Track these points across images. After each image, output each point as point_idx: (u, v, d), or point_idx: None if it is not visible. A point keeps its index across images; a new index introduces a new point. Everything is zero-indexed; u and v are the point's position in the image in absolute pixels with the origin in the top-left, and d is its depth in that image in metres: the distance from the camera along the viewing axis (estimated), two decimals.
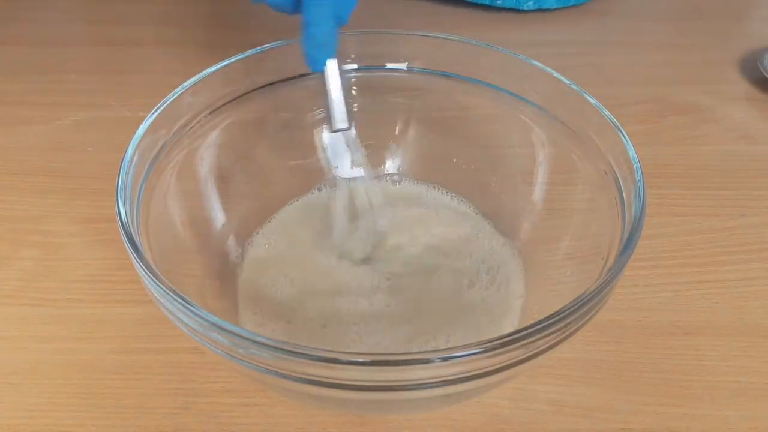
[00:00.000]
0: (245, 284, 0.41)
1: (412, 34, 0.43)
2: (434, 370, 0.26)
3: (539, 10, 0.70)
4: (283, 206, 0.45)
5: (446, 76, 0.44)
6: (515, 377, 0.33)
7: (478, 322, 0.39)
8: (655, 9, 0.73)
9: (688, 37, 0.68)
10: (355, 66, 0.44)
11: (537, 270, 0.41)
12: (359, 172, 0.44)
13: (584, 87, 0.38)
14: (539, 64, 0.40)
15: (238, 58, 0.40)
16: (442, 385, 0.26)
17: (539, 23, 0.69)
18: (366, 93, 0.46)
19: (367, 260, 0.42)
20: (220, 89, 0.40)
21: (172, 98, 0.37)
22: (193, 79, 0.39)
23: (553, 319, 0.27)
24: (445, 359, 0.25)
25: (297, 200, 0.46)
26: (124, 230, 0.30)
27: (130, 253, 0.29)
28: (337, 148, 0.45)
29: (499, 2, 0.69)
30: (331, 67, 0.37)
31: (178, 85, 0.38)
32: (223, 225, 0.42)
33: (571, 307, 0.27)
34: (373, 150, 0.47)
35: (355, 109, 0.46)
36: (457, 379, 0.26)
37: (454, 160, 0.46)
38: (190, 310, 0.27)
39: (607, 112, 0.36)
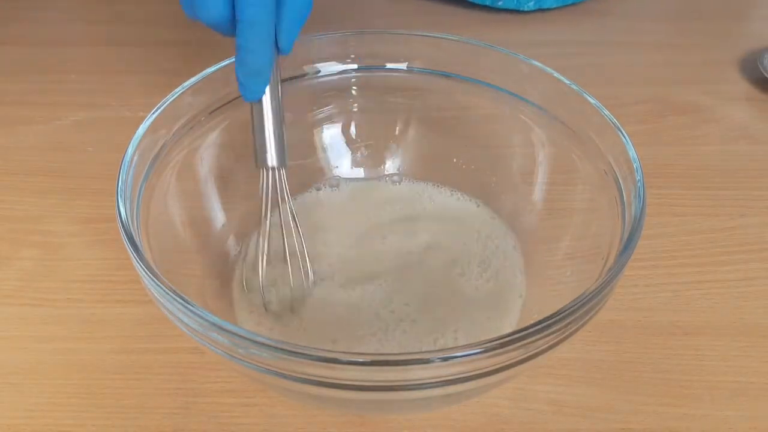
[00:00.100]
0: (240, 283, 0.41)
1: (412, 34, 0.43)
2: (434, 370, 0.26)
3: (539, 10, 0.70)
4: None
5: (446, 76, 0.44)
6: (515, 377, 0.33)
7: (479, 320, 0.38)
8: (655, 9, 0.73)
9: (688, 37, 0.68)
10: (355, 66, 0.44)
11: (537, 270, 0.41)
12: (359, 172, 0.44)
13: (584, 87, 0.38)
14: (539, 64, 0.40)
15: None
16: (442, 385, 0.26)
17: (539, 23, 0.69)
18: (366, 93, 0.46)
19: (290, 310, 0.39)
20: (220, 89, 0.40)
21: (172, 98, 0.37)
22: (193, 79, 0.39)
23: (553, 319, 0.27)
24: (445, 359, 0.25)
25: (295, 199, 0.46)
26: (124, 230, 0.30)
27: (130, 253, 0.29)
28: (337, 148, 0.45)
29: (500, 3, 0.69)
30: (266, 98, 0.34)
31: (178, 85, 0.38)
32: (223, 225, 0.42)
33: (571, 307, 0.27)
34: (373, 150, 0.47)
35: (355, 110, 0.47)
36: (457, 379, 0.26)
37: (454, 160, 0.46)
38: (190, 310, 0.27)
39: (607, 112, 0.36)
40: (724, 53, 0.65)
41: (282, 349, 0.25)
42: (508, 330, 0.37)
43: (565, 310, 0.27)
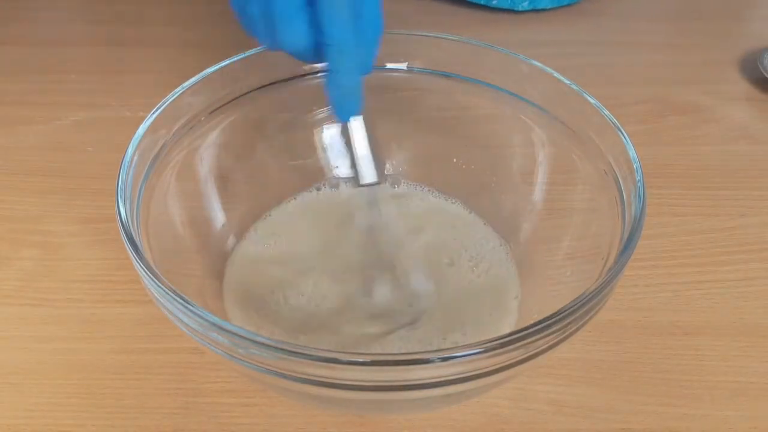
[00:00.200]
0: (232, 282, 0.41)
1: (412, 34, 0.43)
2: (434, 370, 0.26)
3: (534, 10, 0.70)
4: (280, 204, 0.45)
5: (446, 76, 0.44)
6: (515, 377, 0.33)
7: (477, 320, 0.39)
8: (654, 9, 0.73)
9: (688, 37, 0.68)
10: None
11: (536, 270, 0.41)
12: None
13: (584, 87, 0.38)
14: (539, 64, 0.40)
15: (238, 58, 0.40)
16: (442, 385, 0.26)
17: (539, 23, 0.69)
18: (366, 93, 0.46)
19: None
20: (220, 89, 0.40)
21: (172, 98, 0.37)
22: (193, 79, 0.39)
23: (553, 320, 0.27)
24: (445, 359, 0.25)
25: (294, 198, 0.46)
26: (124, 230, 0.30)
27: (130, 253, 0.29)
28: (337, 148, 0.45)
29: (494, 2, 0.69)
30: (358, 119, 0.35)
31: (178, 85, 0.38)
32: (223, 225, 0.42)
33: (571, 307, 0.27)
34: (372, 150, 0.47)
35: None
36: (457, 379, 0.26)
37: (454, 160, 0.46)
38: (190, 310, 0.27)
39: (607, 112, 0.36)
40: (724, 53, 0.65)
41: (282, 349, 0.25)
42: (507, 329, 0.38)
43: (565, 310, 0.27)
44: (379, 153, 0.36)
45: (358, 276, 0.41)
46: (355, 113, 0.35)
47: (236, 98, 0.41)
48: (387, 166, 0.48)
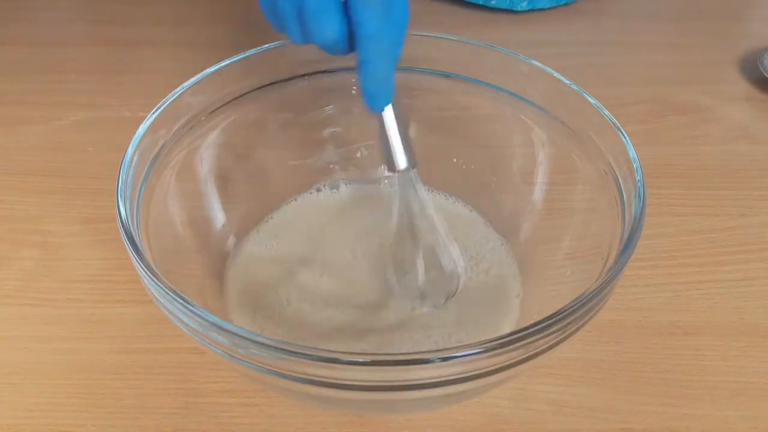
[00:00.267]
0: (236, 282, 0.41)
1: (412, 34, 0.43)
2: (434, 370, 0.26)
3: (533, 10, 0.70)
4: (281, 206, 0.45)
5: (446, 76, 0.44)
6: (515, 377, 0.33)
7: (478, 320, 0.39)
8: (655, 9, 0.73)
9: (688, 37, 0.68)
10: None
11: (537, 270, 0.41)
12: (359, 173, 0.44)
13: (584, 87, 0.38)
14: (539, 64, 0.40)
15: (238, 58, 0.40)
16: (442, 385, 0.26)
17: (539, 23, 0.69)
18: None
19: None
20: (220, 89, 0.40)
21: (172, 98, 0.37)
22: (193, 79, 0.39)
23: (553, 319, 0.27)
24: (445, 359, 0.25)
25: (294, 200, 0.46)
26: (124, 230, 0.30)
27: (130, 253, 0.29)
28: (337, 148, 0.45)
29: (493, 2, 0.69)
30: (389, 108, 0.35)
31: (178, 85, 0.38)
32: (223, 225, 0.42)
33: (571, 307, 0.27)
34: (372, 150, 0.47)
35: (355, 110, 0.46)
36: (457, 379, 0.26)
37: (454, 160, 0.46)
38: (190, 310, 0.27)
39: (607, 112, 0.36)
40: (724, 53, 0.65)
41: (282, 349, 0.25)
42: (507, 329, 0.38)
43: (565, 310, 0.27)
44: (409, 137, 0.37)
45: (362, 273, 0.41)
46: (387, 102, 0.35)
47: (236, 98, 0.41)
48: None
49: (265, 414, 0.36)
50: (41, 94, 0.59)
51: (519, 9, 0.69)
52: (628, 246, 0.30)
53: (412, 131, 0.47)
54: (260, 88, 0.42)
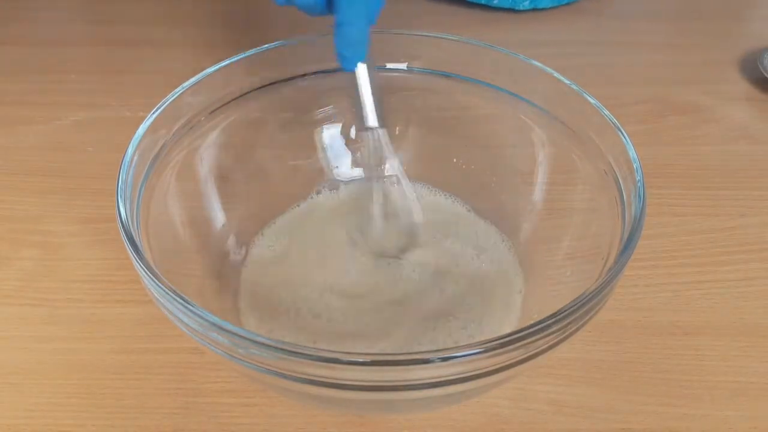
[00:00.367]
0: (247, 284, 0.41)
1: (412, 34, 0.43)
2: (434, 370, 0.26)
3: (535, 9, 0.70)
4: (283, 208, 0.45)
5: (446, 76, 0.44)
6: (515, 377, 0.33)
7: (480, 318, 0.39)
8: (655, 9, 0.73)
9: (688, 37, 0.68)
10: None
11: (537, 270, 0.41)
12: (361, 172, 0.44)
13: (584, 87, 0.38)
14: (539, 64, 0.40)
15: (238, 58, 0.40)
16: (442, 385, 0.26)
17: (539, 23, 0.69)
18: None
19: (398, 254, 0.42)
20: (220, 89, 0.40)
21: (172, 98, 0.37)
22: (193, 79, 0.39)
23: (553, 319, 0.27)
24: (445, 359, 0.25)
25: (297, 206, 0.46)
26: (124, 230, 0.30)
27: (130, 253, 0.29)
28: (337, 148, 0.45)
29: (495, 2, 0.69)
30: (362, 66, 0.38)
31: (178, 85, 0.38)
32: (223, 225, 0.42)
33: (571, 307, 0.27)
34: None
35: (356, 109, 0.46)
36: (457, 379, 0.26)
37: (454, 160, 0.46)
38: (190, 310, 0.27)
39: (607, 112, 0.36)
40: (724, 53, 0.65)
41: (282, 349, 0.25)
42: (509, 328, 0.38)
43: (565, 310, 0.27)
44: (382, 99, 0.39)
45: (360, 276, 0.41)
46: (361, 59, 0.37)
47: (236, 98, 0.41)
48: (387, 165, 0.47)
49: (265, 414, 0.36)
50: (41, 94, 0.59)
51: (521, 8, 0.69)
52: (628, 246, 0.30)
53: (413, 131, 0.47)
54: (260, 88, 0.42)
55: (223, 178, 0.42)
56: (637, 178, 0.33)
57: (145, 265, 0.29)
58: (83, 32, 0.69)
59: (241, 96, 0.41)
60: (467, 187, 0.46)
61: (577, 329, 0.28)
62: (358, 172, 0.47)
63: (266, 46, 0.41)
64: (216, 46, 0.63)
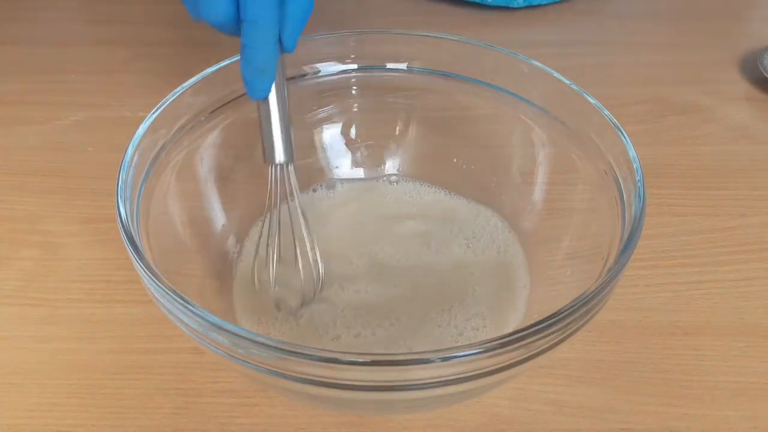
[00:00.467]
0: (242, 284, 0.41)
1: (412, 34, 0.43)
2: (434, 370, 0.26)
3: (530, 7, 0.70)
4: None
5: (446, 76, 0.44)
6: (515, 377, 0.33)
7: (482, 311, 0.39)
8: (655, 9, 0.73)
9: (688, 37, 0.68)
10: (355, 66, 0.44)
11: (537, 270, 0.41)
12: (359, 173, 0.43)
13: (584, 87, 0.38)
14: (539, 64, 0.40)
15: (237, 58, 0.40)
16: (442, 385, 0.26)
17: (539, 23, 0.69)
18: (366, 93, 0.46)
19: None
20: (220, 89, 0.40)
21: (172, 98, 0.37)
22: (193, 79, 0.39)
23: (553, 319, 0.27)
24: (445, 359, 0.25)
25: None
26: (124, 230, 0.30)
27: (130, 253, 0.29)
28: (337, 148, 0.45)
29: (489, 0, 0.69)
30: (272, 95, 0.35)
31: (178, 85, 0.38)
32: (223, 225, 0.42)
33: (571, 307, 0.27)
34: (372, 150, 0.47)
35: (355, 110, 0.47)
36: (457, 379, 0.26)
37: (454, 160, 0.46)
38: (190, 310, 0.27)
39: (607, 112, 0.36)
40: (724, 53, 0.65)
41: (282, 349, 0.25)
42: (514, 324, 0.37)
43: (565, 310, 0.27)
44: (292, 132, 0.37)
45: (360, 277, 0.41)
46: (266, 91, 0.35)
47: (236, 98, 0.41)
48: (388, 164, 0.48)
49: (265, 414, 0.36)
50: (41, 94, 0.59)
51: (515, 6, 0.69)
52: (628, 246, 0.30)
53: (413, 131, 0.47)
54: None
55: (223, 178, 0.42)
56: (637, 178, 0.33)
57: (145, 265, 0.29)
58: (83, 32, 0.69)
59: (241, 96, 0.41)
60: (467, 187, 0.46)
61: (577, 329, 0.28)
62: (358, 171, 0.47)
63: None
64: (216, 46, 0.63)
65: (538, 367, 0.38)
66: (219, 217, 0.42)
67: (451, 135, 0.46)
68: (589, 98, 0.37)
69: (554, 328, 0.27)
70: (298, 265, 0.38)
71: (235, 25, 0.32)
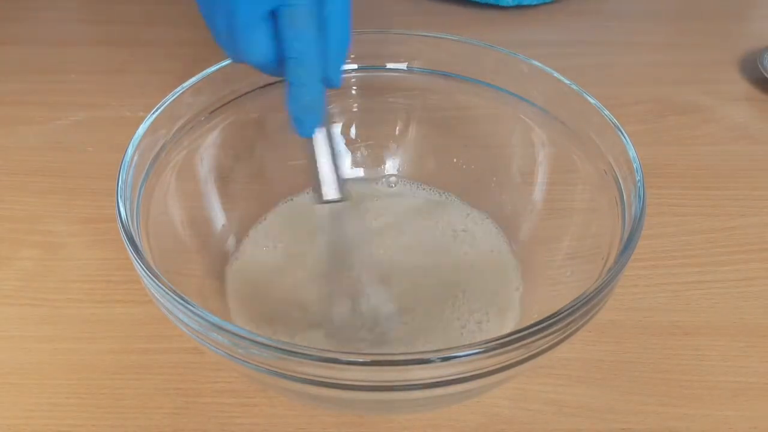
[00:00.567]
0: (235, 282, 0.41)
1: (412, 34, 0.43)
2: (434, 370, 0.26)
3: (520, 6, 0.70)
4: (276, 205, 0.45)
5: (446, 76, 0.44)
6: (515, 377, 0.33)
7: (477, 311, 0.39)
8: (655, 9, 0.73)
9: (688, 37, 0.68)
10: (355, 66, 0.44)
11: (537, 270, 0.41)
12: (359, 172, 0.43)
13: (584, 87, 0.38)
14: (539, 64, 0.40)
15: None
16: (442, 385, 0.26)
17: (540, 23, 0.69)
18: (366, 93, 0.46)
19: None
20: (220, 89, 0.40)
21: (172, 98, 0.37)
22: (193, 79, 0.39)
23: (553, 319, 0.27)
24: (445, 359, 0.25)
25: (292, 199, 0.46)
26: (124, 230, 0.30)
27: (130, 253, 0.29)
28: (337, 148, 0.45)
29: None
30: (320, 133, 0.34)
31: (178, 85, 0.38)
32: (223, 225, 0.42)
33: (571, 307, 0.27)
34: (372, 150, 0.47)
35: (355, 110, 0.47)
36: (457, 379, 0.26)
37: (454, 160, 0.46)
38: (190, 310, 0.27)
39: (607, 112, 0.36)
40: (724, 53, 0.65)
41: (282, 349, 0.25)
42: (509, 327, 0.38)
43: (565, 310, 0.27)
44: (344, 167, 0.36)
45: (359, 276, 0.41)
46: (316, 128, 0.34)
47: (236, 98, 0.41)
48: (388, 164, 0.48)
49: (265, 414, 0.36)
50: (41, 94, 0.59)
51: (503, 5, 0.69)
52: (628, 246, 0.30)
53: (412, 131, 0.47)
54: (260, 88, 0.42)
55: (223, 178, 0.42)
56: (637, 178, 0.33)
57: (145, 265, 0.29)
58: (83, 32, 0.69)
59: (241, 96, 0.41)
60: (467, 187, 0.46)
61: (577, 329, 0.28)
62: (358, 171, 0.47)
63: None
64: (216, 46, 0.63)
65: (538, 367, 0.38)
66: (219, 217, 0.42)
67: (451, 135, 0.46)
68: (589, 98, 0.37)
69: (554, 328, 0.27)
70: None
71: (277, 65, 0.32)
